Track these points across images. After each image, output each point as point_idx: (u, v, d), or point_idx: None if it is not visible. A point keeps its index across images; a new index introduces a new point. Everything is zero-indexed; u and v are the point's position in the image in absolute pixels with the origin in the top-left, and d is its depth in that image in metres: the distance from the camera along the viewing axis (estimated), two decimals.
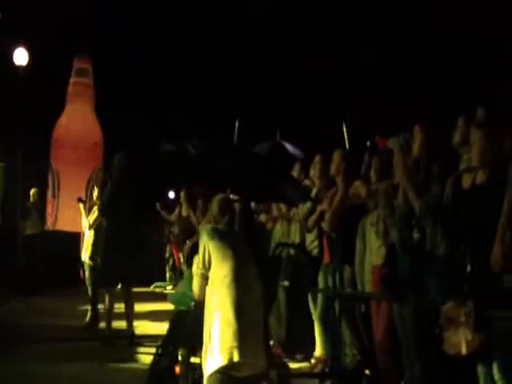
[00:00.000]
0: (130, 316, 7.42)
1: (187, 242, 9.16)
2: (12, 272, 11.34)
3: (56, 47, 16.78)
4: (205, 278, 3.76)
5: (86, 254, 8.66)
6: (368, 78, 14.82)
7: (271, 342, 6.32)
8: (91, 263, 8.51)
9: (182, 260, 11.53)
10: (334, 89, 15.40)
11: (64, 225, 14.21)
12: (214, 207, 4.02)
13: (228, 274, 3.65)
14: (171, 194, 18.89)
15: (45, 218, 14.91)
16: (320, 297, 6.02)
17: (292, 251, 6.21)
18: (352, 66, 15.19)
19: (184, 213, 9.93)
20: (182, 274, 11.22)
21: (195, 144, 4.28)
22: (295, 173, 6.83)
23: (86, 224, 8.72)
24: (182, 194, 9.48)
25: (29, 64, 12.90)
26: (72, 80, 16.80)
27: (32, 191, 12.48)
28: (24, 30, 14.98)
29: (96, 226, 8.45)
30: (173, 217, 11.14)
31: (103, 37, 17.72)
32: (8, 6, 14.96)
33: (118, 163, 7.38)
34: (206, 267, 3.74)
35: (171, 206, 12.96)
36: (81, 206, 8.94)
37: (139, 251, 7.77)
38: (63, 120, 16.38)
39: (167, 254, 14.99)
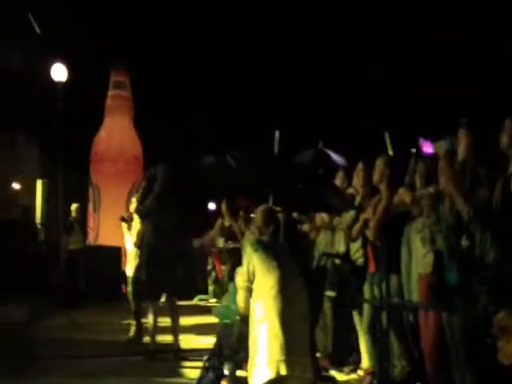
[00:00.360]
0: (175, 330, 7.43)
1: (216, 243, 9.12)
2: (55, 287, 11.55)
3: (93, 61, 17.11)
4: (249, 291, 3.78)
5: (128, 268, 8.74)
6: (410, 83, 14.74)
7: (318, 354, 6.31)
8: (135, 277, 8.53)
9: (224, 272, 11.58)
10: (376, 95, 15.36)
11: (106, 239, 14.39)
12: (258, 218, 4.03)
13: (273, 286, 3.67)
14: (212, 206, 19.07)
15: (86, 232, 15.13)
16: (366, 307, 5.98)
17: (337, 261, 6.19)
18: (392, 71, 15.13)
19: (226, 223, 9.99)
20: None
21: (236, 156, 4.33)
22: (338, 181, 6.81)
23: (129, 240, 8.77)
24: (224, 205, 9.54)
25: (67, 79, 13.13)
26: (110, 93, 17.06)
27: (73, 206, 12.68)
28: (62, 45, 15.31)
29: (139, 241, 8.51)
30: (216, 227, 11.14)
31: (140, 49, 17.98)
32: (46, 21, 15.34)
33: (161, 175, 7.47)
34: (251, 279, 3.76)
35: (212, 217, 13.02)
36: (123, 224, 8.99)
37: (182, 264, 7.83)
38: (102, 134, 16.64)
39: (209, 267, 15.05)
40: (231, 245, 10.50)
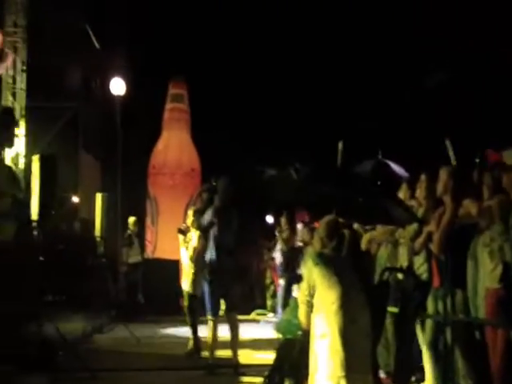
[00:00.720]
0: (234, 345, 7.45)
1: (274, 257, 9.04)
2: (114, 300, 11.77)
3: (151, 74, 17.44)
4: (310, 306, 3.77)
5: (185, 282, 8.76)
6: (474, 90, 14.49)
7: (379, 372, 6.23)
8: (191, 291, 8.60)
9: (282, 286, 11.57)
10: (437, 105, 15.15)
11: (163, 252, 14.57)
12: (322, 230, 4.00)
13: (334, 301, 3.65)
14: (270, 219, 19.11)
15: (144, 245, 15.36)
16: (430, 323, 5.88)
17: (400, 275, 6.11)
18: (454, 81, 14.90)
19: (284, 236, 10.02)
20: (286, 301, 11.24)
21: (298, 168, 4.33)
22: (402, 193, 6.73)
23: (185, 254, 8.83)
24: (284, 219, 9.53)
25: (125, 93, 13.39)
26: (168, 106, 17.33)
27: (131, 219, 12.90)
28: (120, 59, 15.68)
29: (196, 255, 8.55)
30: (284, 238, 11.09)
31: (198, 61, 18.24)
32: (104, 36, 15.75)
33: (222, 188, 7.49)
34: (311, 294, 3.76)
35: (270, 230, 13.07)
36: (180, 237, 9.05)
37: (241, 278, 7.85)
38: (160, 147, 16.91)
39: (268, 281, 15.08)
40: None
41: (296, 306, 3.94)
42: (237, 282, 7.58)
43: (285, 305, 9.30)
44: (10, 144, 5.59)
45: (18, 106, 11.89)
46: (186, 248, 8.75)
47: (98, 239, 11.42)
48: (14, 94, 12.17)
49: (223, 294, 7.39)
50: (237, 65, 18.43)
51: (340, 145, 6.40)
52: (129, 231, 12.76)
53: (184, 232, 8.90)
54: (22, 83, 12.26)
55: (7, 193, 5.26)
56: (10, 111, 6.03)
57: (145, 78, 16.77)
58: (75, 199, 14.09)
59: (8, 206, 5.24)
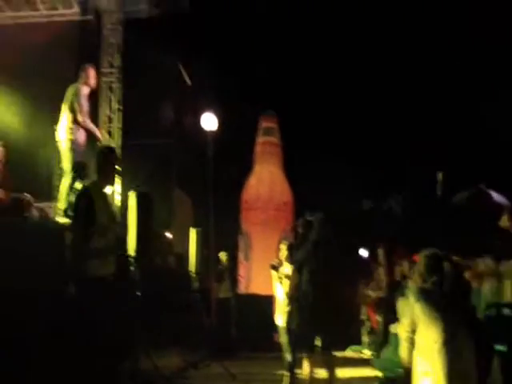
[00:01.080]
0: (331, 382, 7.36)
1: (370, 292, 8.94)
2: (208, 336, 11.90)
3: (242, 109, 17.78)
4: (412, 343, 3.72)
5: (280, 318, 8.74)
6: None
7: None
8: (287, 326, 8.53)
9: (379, 322, 11.39)
10: None
11: (257, 287, 14.66)
12: (422, 264, 3.95)
13: (437, 339, 3.59)
14: (364, 252, 18.86)
15: (237, 280, 15.49)
16: None
17: (506, 311, 5.91)
18: None
19: (382, 271, 9.88)
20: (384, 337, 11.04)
21: (398, 200, 4.30)
22: (503, 223, 6.54)
23: (279, 289, 8.84)
24: (381, 251, 9.42)
25: (217, 128, 13.70)
26: (259, 140, 17.60)
27: (222, 254, 13.05)
28: (211, 94, 16.11)
29: (291, 290, 8.54)
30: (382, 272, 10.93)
31: (289, 95, 18.46)
32: (195, 72, 16.26)
33: (317, 222, 7.51)
34: (413, 330, 3.70)
35: (365, 264, 12.91)
36: (273, 273, 9.09)
37: (337, 314, 7.79)
38: (252, 181, 17.15)
39: (364, 317, 14.86)
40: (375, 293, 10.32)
41: (397, 343, 3.88)
42: (332, 318, 7.52)
43: (384, 341, 9.15)
44: (113, 181, 5.87)
45: (114, 144, 12.43)
46: (280, 283, 8.76)
47: (193, 274, 11.64)
48: (110, 133, 12.75)
49: (319, 330, 7.33)
50: (328, 98, 18.53)
51: (440, 175, 6.32)
52: (220, 266, 12.91)
53: (276, 267, 8.93)
54: (117, 122, 12.84)
55: (111, 228, 5.52)
56: (112, 149, 6.34)
57: (235, 113, 17.10)
58: (169, 234, 14.45)
59: (112, 241, 5.48)
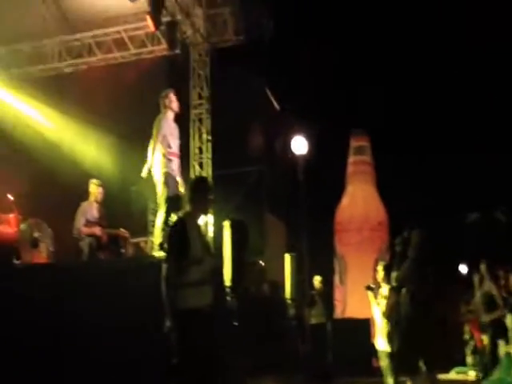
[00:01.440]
0: None
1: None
2: (302, 362, 11.99)
3: (332, 130, 17.89)
4: None
5: (380, 340, 8.65)
6: None
7: None
8: (387, 349, 8.44)
9: (484, 342, 11.15)
10: None
11: (353, 311, 14.60)
12: None
13: None
14: (463, 268, 18.47)
15: (332, 305, 15.47)
16: None
17: None
18: None
19: (486, 288, 9.68)
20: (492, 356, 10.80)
21: (504, 210, 4.33)
22: None
23: (376, 311, 8.85)
24: (483, 267, 9.26)
25: (307, 151, 13.90)
26: (350, 160, 17.66)
27: (316, 278, 13.09)
28: (300, 118, 16.33)
29: (389, 311, 8.53)
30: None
31: (379, 112, 18.42)
32: (283, 97, 16.56)
33: (416, 240, 7.46)
34: None
35: (465, 281, 12.67)
36: (370, 294, 9.09)
37: (439, 333, 7.67)
38: (345, 202, 17.20)
39: (467, 336, 14.56)
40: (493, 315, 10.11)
41: (509, 363, 3.90)
42: (434, 338, 7.44)
43: (492, 361, 8.96)
44: (206, 211, 6.08)
45: (205, 174, 12.82)
46: (378, 304, 8.75)
47: (288, 301, 11.78)
48: (200, 164, 13.19)
49: (421, 352, 7.23)
50: (419, 114, 18.40)
51: None
52: (313, 291, 12.96)
53: (372, 289, 8.96)
54: (207, 153, 13.28)
55: (206, 259, 5.66)
56: (204, 179, 6.65)
57: (325, 134, 17.23)
58: (261, 261, 14.71)
59: (208, 272, 5.52)
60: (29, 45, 14.57)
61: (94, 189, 10.24)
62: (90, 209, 10.17)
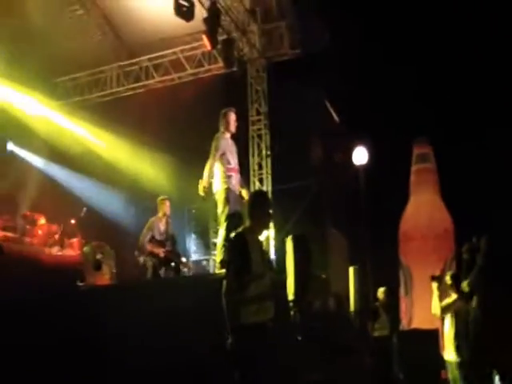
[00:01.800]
0: None
1: None
2: (368, 376, 11.96)
3: (393, 139, 17.83)
4: None
5: (449, 352, 8.61)
6: None
7: None
8: (457, 360, 8.41)
9: None
10: None
11: (420, 323, 14.42)
12: None
13: None
14: None
15: (398, 316, 15.32)
16: None
17: None
18: None
19: None
20: None
21: None
22: None
23: (446, 322, 8.75)
24: None
25: (368, 161, 13.92)
26: (413, 168, 17.55)
27: (380, 290, 13.05)
28: (359, 129, 16.36)
29: (457, 320, 8.47)
30: None
31: (441, 118, 18.25)
32: (342, 108, 16.62)
33: (485, 247, 7.42)
34: None
35: None
36: (434, 286, 8.95)
37: None
38: (409, 212, 17.08)
39: None
40: None
41: None
42: (508, 347, 7.29)
43: None
44: (267, 226, 6.19)
45: (265, 190, 13.02)
46: (439, 298, 8.71)
47: (353, 314, 11.82)
48: (260, 180, 13.41)
49: (494, 362, 7.15)
50: (482, 116, 18.18)
51: None
52: (377, 303, 12.91)
53: (438, 278, 8.90)
54: (267, 168, 13.48)
55: (266, 274, 5.58)
56: (263, 192, 6.75)
57: (386, 144, 17.18)
58: (325, 275, 14.76)
59: (269, 287, 5.57)
60: (88, 72, 15.15)
61: (162, 203, 10.71)
62: (157, 224, 10.62)
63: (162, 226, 10.70)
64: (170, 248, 10.54)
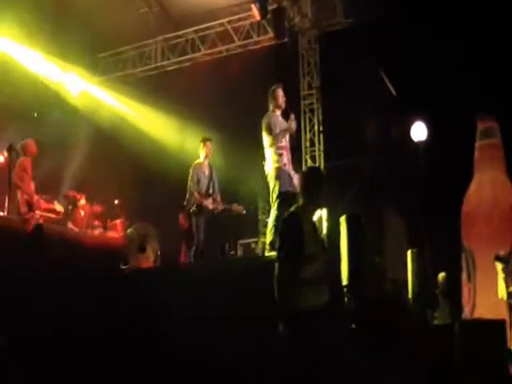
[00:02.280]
0: None
1: None
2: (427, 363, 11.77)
3: (454, 114, 17.45)
4: None
5: None
6: None
7: None
8: None
9: None
10: None
11: (483, 312, 14.10)
12: None
13: None
14: None
15: (460, 304, 15.07)
16: None
17: None
18: None
19: None
20: None
21: None
22: None
23: (503, 292, 8.56)
24: None
25: (428, 137, 13.65)
26: (477, 144, 17.12)
27: (440, 275, 12.79)
28: (419, 103, 16.04)
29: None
30: None
31: (507, 93, 17.80)
32: (401, 80, 16.33)
33: None
34: None
35: None
36: (499, 267, 8.70)
37: None
38: (472, 190, 16.69)
39: None
40: None
41: None
42: None
43: None
44: (320, 204, 6.08)
45: None
46: (504, 280, 8.53)
47: (411, 300, 11.64)
48: (312, 158, 13.26)
49: None
50: None
51: None
52: (437, 290, 12.64)
53: (504, 259, 8.70)
54: (319, 145, 13.33)
55: (320, 255, 5.54)
56: (317, 169, 6.71)
57: (447, 119, 16.82)
58: (381, 259, 14.60)
59: (322, 269, 5.51)
60: (131, 47, 15.18)
61: (204, 145, 10.67)
62: (201, 167, 10.57)
63: (206, 169, 10.67)
64: (217, 198, 10.49)
